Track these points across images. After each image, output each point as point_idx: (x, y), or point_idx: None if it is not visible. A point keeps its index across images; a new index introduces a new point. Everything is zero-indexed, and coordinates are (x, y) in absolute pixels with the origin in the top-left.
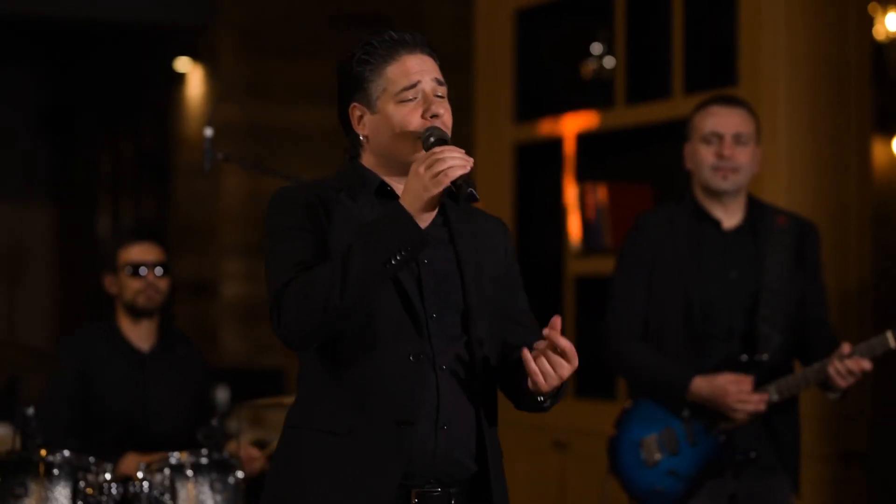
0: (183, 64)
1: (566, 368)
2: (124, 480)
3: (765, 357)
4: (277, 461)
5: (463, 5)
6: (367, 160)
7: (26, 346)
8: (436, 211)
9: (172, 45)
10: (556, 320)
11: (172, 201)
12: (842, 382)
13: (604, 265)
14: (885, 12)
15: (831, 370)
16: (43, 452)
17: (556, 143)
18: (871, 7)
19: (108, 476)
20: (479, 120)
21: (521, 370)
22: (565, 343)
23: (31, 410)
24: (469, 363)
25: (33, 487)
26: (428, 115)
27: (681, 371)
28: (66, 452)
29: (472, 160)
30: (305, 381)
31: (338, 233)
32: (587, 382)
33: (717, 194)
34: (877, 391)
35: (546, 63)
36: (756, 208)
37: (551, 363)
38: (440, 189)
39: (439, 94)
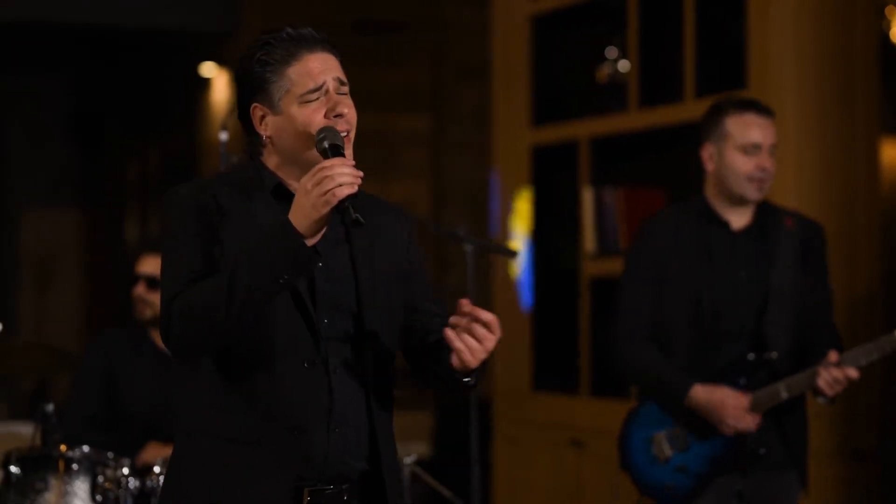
0: (208, 69)
1: (491, 339)
2: (142, 475)
3: (774, 356)
4: (173, 468)
5: (484, 11)
6: (270, 160)
7: (54, 348)
8: (325, 227)
9: (198, 51)
10: (464, 301)
11: None
12: (829, 391)
13: (619, 267)
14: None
15: (819, 380)
16: (63, 448)
17: (571, 147)
18: (888, 10)
19: (125, 471)
20: (497, 125)
21: (442, 354)
22: (487, 315)
23: (50, 407)
24: (362, 364)
25: (53, 482)
26: (332, 114)
27: (681, 378)
28: (86, 448)
29: (360, 175)
30: (198, 388)
31: (232, 236)
32: (603, 382)
33: (740, 202)
34: (885, 388)
35: (562, 68)
36: (764, 209)
37: (476, 336)
38: (327, 209)
39: (342, 91)
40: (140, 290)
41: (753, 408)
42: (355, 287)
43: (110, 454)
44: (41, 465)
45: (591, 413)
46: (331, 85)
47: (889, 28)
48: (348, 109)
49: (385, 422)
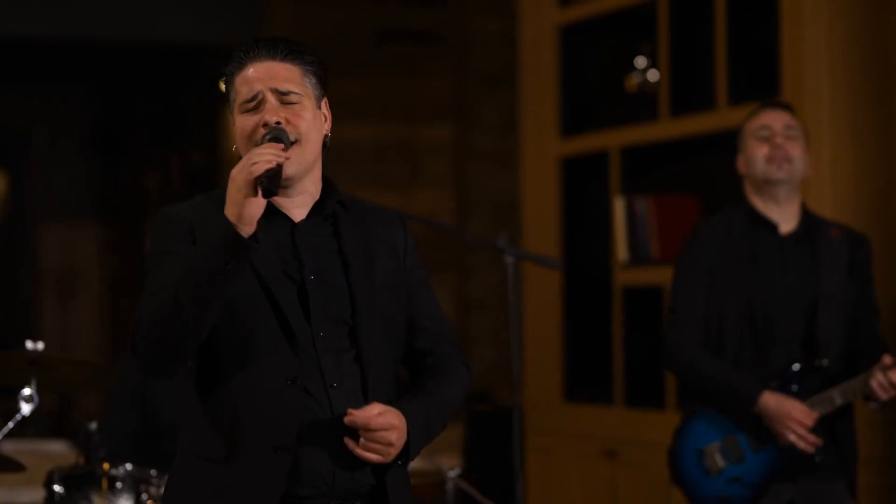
0: None
1: (379, 438)
2: None
3: (825, 363)
4: (167, 488)
5: (507, 21)
6: None
7: (84, 362)
8: (257, 216)
9: (221, 65)
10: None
11: None
12: (883, 395)
13: (651, 276)
14: None
15: (873, 382)
16: (105, 466)
17: (601, 157)
18: None
19: None
20: (525, 135)
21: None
22: (363, 421)
23: (93, 425)
24: (360, 377)
25: (97, 500)
26: (261, 123)
27: (751, 383)
28: (129, 466)
29: (284, 155)
30: (188, 406)
31: None
32: (636, 391)
33: (770, 189)
34: None
35: (590, 77)
36: (810, 218)
37: (372, 440)
38: (247, 188)
39: (288, 100)
40: None
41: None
42: (350, 298)
43: (153, 472)
44: (84, 483)
45: (624, 423)
46: (268, 95)
47: None
48: (286, 117)
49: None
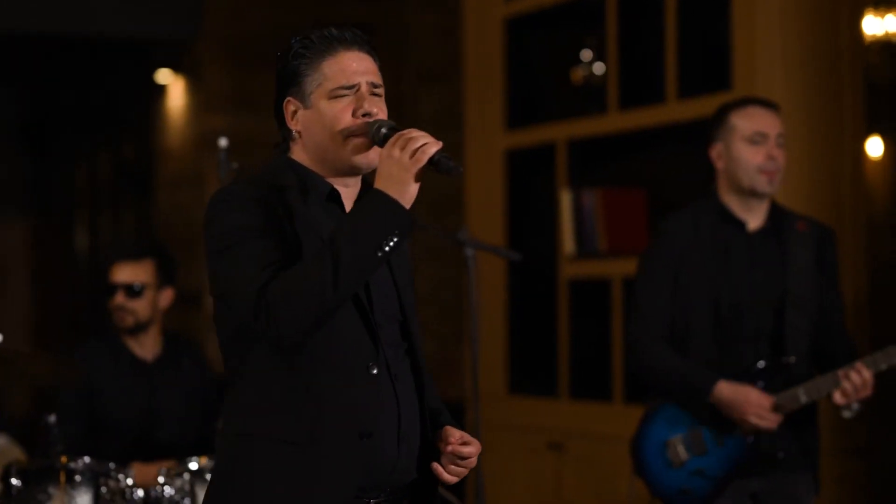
0: (164, 76)
1: (472, 464)
2: (145, 486)
3: (792, 360)
4: (224, 469)
5: (445, 14)
6: (298, 156)
7: (46, 356)
8: (415, 193)
9: (153, 58)
10: (453, 433)
11: (154, 214)
12: (842, 399)
13: (598, 269)
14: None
15: (838, 398)
16: (64, 459)
17: (548, 150)
18: (871, 9)
19: (129, 482)
20: (470, 128)
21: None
22: (470, 450)
23: (52, 418)
24: (414, 371)
25: (56, 494)
26: (360, 112)
27: (705, 374)
28: (87, 459)
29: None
30: (253, 389)
31: (302, 235)
32: (582, 384)
33: (752, 196)
34: (877, 388)
35: (536, 70)
36: (777, 212)
37: (459, 465)
38: (419, 166)
39: (376, 93)
40: (120, 299)
41: (776, 409)
42: (396, 293)
43: (112, 464)
44: (42, 477)
45: (570, 415)
46: (364, 87)
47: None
48: (378, 110)
49: (429, 430)
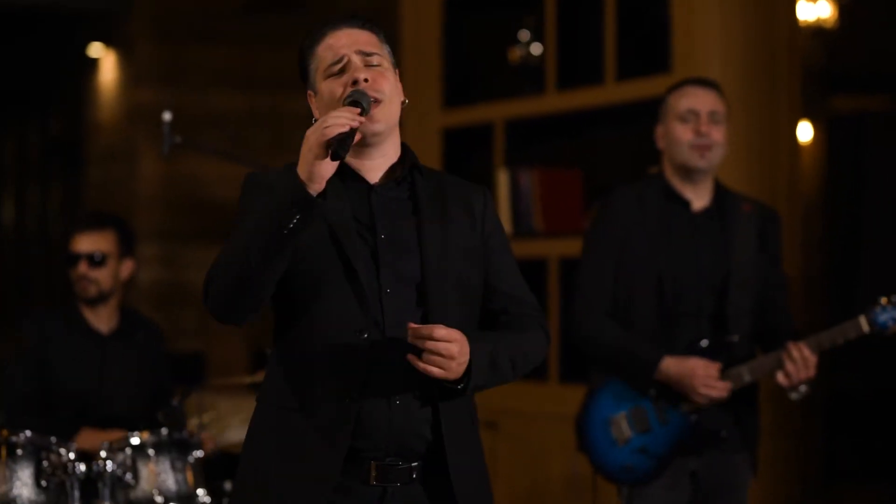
0: (96, 50)
1: (446, 348)
2: (87, 460)
3: (735, 339)
4: (247, 436)
5: None
6: None
7: None
8: (327, 176)
9: (85, 31)
10: (410, 325)
11: (84, 188)
12: (786, 382)
13: (535, 248)
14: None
15: (781, 379)
16: (5, 433)
17: (486, 129)
18: None
19: (71, 455)
20: (407, 106)
21: None
22: (430, 331)
23: None
24: None
25: None
26: (349, 83)
27: (651, 350)
28: (28, 432)
29: (360, 119)
30: (270, 358)
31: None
32: None
33: (690, 174)
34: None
35: (473, 49)
36: (722, 193)
37: (434, 351)
38: (319, 149)
39: (370, 62)
40: (83, 268)
41: (724, 377)
42: (420, 258)
43: (53, 438)
44: None
45: (505, 394)
46: (353, 57)
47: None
48: (372, 76)
49: (449, 398)
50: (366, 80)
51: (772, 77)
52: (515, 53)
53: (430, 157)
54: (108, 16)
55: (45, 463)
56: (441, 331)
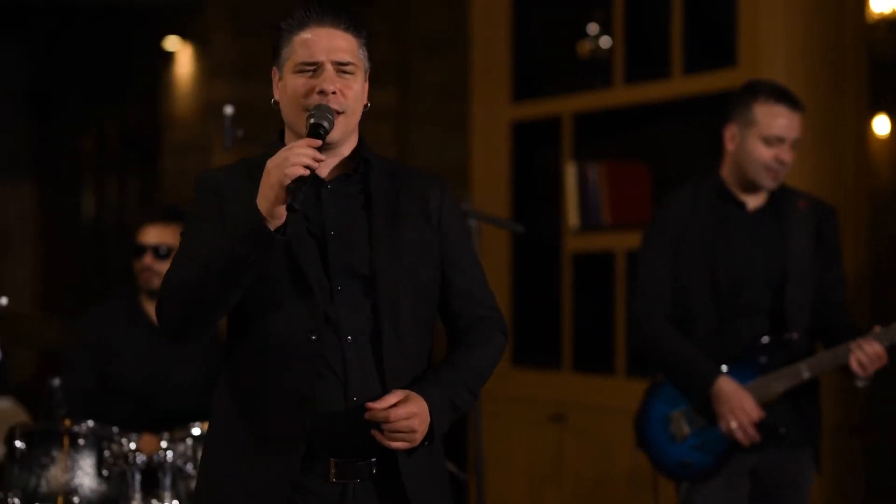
0: (172, 43)
1: (404, 424)
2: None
3: (795, 336)
4: (203, 446)
5: None
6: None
7: (51, 318)
8: (284, 211)
9: (162, 24)
10: (369, 406)
11: (160, 180)
12: (862, 372)
13: (601, 242)
14: None
15: (853, 362)
16: (67, 422)
17: (553, 123)
18: None
19: (132, 446)
20: (476, 99)
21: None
22: (385, 414)
23: (56, 382)
24: (376, 331)
25: (59, 457)
26: (315, 90)
27: (708, 364)
28: (90, 422)
29: (319, 158)
30: (225, 367)
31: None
32: (585, 356)
33: (754, 187)
34: None
35: (542, 43)
36: (778, 190)
37: (395, 429)
38: (279, 189)
39: (345, 70)
40: (148, 260)
41: (780, 392)
42: (369, 251)
43: (115, 428)
44: (46, 440)
45: (572, 388)
46: (328, 65)
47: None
48: (342, 87)
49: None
50: (333, 93)
51: (839, 70)
52: (585, 47)
53: (500, 150)
54: (184, 9)
55: (106, 453)
56: (399, 411)
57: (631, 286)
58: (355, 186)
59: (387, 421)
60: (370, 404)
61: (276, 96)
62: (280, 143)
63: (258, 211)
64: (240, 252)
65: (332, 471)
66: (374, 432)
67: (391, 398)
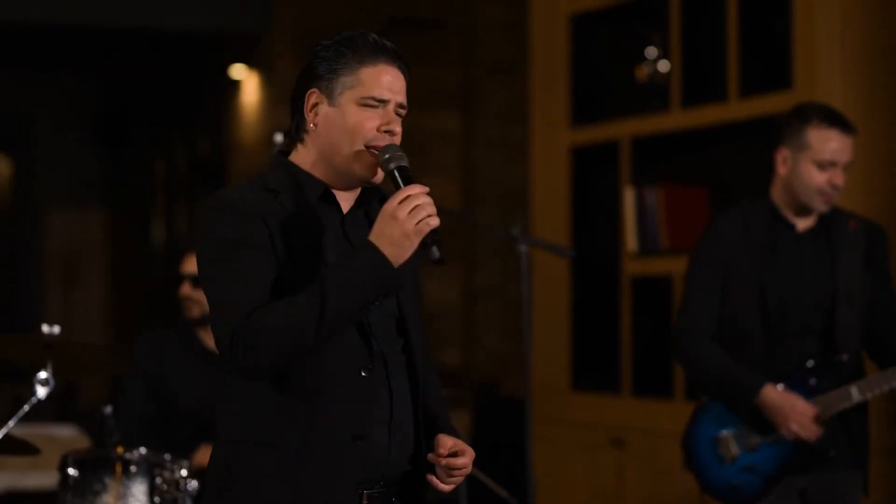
0: (238, 71)
1: (467, 471)
2: (199, 476)
3: (845, 357)
4: (220, 476)
5: (515, 9)
6: (304, 153)
7: (100, 346)
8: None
9: (228, 53)
10: (444, 441)
11: None
12: None
13: (660, 266)
14: None
15: None
16: (120, 450)
17: (612, 147)
18: None
19: (184, 472)
20: (535, 124)
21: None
22: (461, 461)
23: (108, 409)
24: (409, 366)
25: (111, 484)
26: (383, 128)
27: (753, 377)
28: (143, 450)
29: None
30: (244, 396)
31: (282, 245)
32: (644, 381)
33: (806, 211)
34: None
35: (600, 67)
36: (829, 212)
37: (454, 475)
38: (418, 239)
39: (400, 114)
40: (186, 289)
41: (821, 415)
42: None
43: (167, 456)
44: (99, 466)
45: (632, 412)
46: (392, 105)
47: None
48: (399, 132)
49: (423, 422)
50: (395, 134)
51: (895, 91)
52: (643, 71)
53: (558, 175)
54: (249, 37)
55: (158, 479)
56: (467, 460)
57: (678, 306)
58: (362, 217)
59: (457, 468)
60: (446, 456)
61: (315, 120)
62: (291, 165)
63: (384, 259)
64: (368, 297)
65: (364, 502)
66: (432, 478)
67: (447, 444)
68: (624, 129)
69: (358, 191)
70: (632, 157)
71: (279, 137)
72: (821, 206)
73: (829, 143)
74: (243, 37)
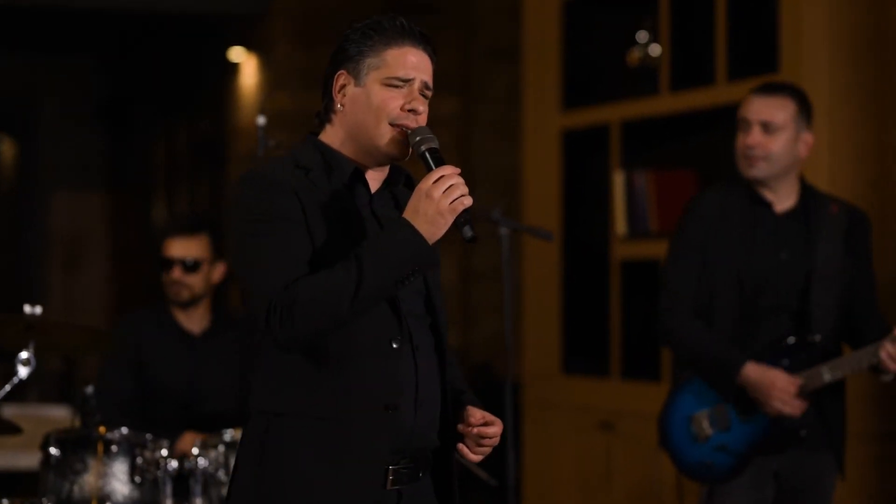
0: (237, 54)
1: (497, 439)
2: (180, 457)
3: (818, 338)
4: (253, 448)
5: None
6: (333, 133)
7: (82, 327)
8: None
9: (227, 35)
10: (474, 413)
11: (227, 189)
12: (892, 366)
13: (649, 249)
14: None
15: (883, 353)
16: (102, 429)
17: (602, 131)
18: None
19: (164, 452)
20: (527, 108)
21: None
22: (493, 429)
23: (90, 389)
24: (436, 342)
25: (92, 463)
26: (407, 107)
27: (734, 353)
28: (124, 430)
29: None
30: (276, 368)
31: (314, 221)
32: (633, 364)
33: (755, 181)
34: None
35: (592, 52)
36: (810, 194)
37: (485, 444)
38: (452, 218)
39: (425, 94)
40: (176, 274)
41: (800, 393)
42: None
43: (148, 435)
44: (80, 446)
45: (621, 395)
46: (417, 83)
47: None
48: (424, 111)
49: (449, 402)
50: (420, 113)
51: (882, 75)
52: (634, 55)
53: (549, 158)
54: (248, 20)
55: (139, 459)
56: (497, 429)
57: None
58: (391, 202)
59: (488, 436)
60: (478, 425)
61: (343, 100)
62: (321, 144)
63: (419, 236)
64: (402, 273)
65: (390, 478)
66: (463, 448)
67: (477, 415)
68: (614, 113)
69: (386, 171)
70: (622, 141)
71: (262, 120)
72: (747, 171)
73: (742, 105)
74: (242, 19)
